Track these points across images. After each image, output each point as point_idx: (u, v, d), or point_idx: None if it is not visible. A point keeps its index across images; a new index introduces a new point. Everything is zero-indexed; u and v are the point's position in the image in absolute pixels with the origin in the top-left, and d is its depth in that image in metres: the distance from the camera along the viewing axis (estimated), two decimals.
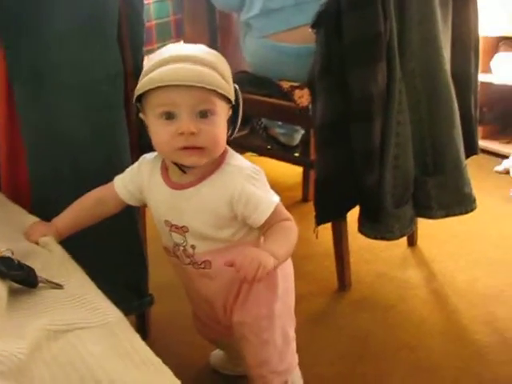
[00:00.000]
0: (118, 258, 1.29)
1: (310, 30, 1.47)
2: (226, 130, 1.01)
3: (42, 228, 1.05)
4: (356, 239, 1.70)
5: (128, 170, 1.11)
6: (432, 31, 1.50)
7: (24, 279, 0.83)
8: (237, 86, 1.02)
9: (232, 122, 1.03)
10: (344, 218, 1.65)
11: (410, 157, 1.53)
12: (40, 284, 0.85)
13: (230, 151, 1.05)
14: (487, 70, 2.64)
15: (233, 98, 1.00)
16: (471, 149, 1.70)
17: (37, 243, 1.01)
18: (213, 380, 1.39)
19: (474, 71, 1.68)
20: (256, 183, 1.01)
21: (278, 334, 1.11)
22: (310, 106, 1.57)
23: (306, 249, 1.90)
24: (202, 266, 1.06)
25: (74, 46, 1.18)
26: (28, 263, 0.89)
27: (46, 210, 1.14)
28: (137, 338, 0.77)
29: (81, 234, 1.11)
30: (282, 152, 2.23)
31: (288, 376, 1.15)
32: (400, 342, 1.49)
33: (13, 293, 0.83)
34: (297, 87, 1.67)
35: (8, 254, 0.85)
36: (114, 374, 0.68)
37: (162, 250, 1.15)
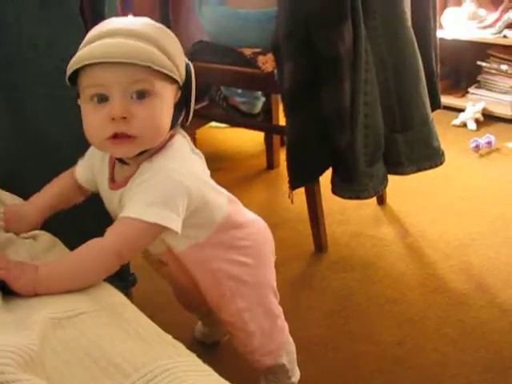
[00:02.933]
0: None
1: None
2: (170, 115, 0.87)
3: (18, 220, 0.97)
4: (326, 201, 1.71)
5: (86, 153, 1.00)
6: None
7: None
8: (190, 64, 0.90)
9: (183, 105, 0.90)
10: (317, 181, 1.65)
11: (379, 115, 1.54)
12: None
13: (173, 142, 0.90)
14: (438, 26, 2.67)
15: (180, 78, 0.87)
16: (435, 103, 1.73)
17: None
18: (202, 351, 1.39)
19: (433, 26, 1.70)
20: (153, 192, 0.84)
21: (262, 319, 1.07)
22: (276, 71, 1.55)
23: (277, 216, 1.90)
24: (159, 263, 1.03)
25: (31, 21, 1.11)
26: (12, 251, 0.86)
27: (12, 184, 1.10)
28: (143, 316, 0.76)
29: (58, 217, 1.07)
30: (244, 119, 2.20)
31: (281, 351, 1.13)
32: (382, 297, 1.52)
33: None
34: (259, 53, 1.64)
35: None
36: (129, 353, 0.66)
37: None
